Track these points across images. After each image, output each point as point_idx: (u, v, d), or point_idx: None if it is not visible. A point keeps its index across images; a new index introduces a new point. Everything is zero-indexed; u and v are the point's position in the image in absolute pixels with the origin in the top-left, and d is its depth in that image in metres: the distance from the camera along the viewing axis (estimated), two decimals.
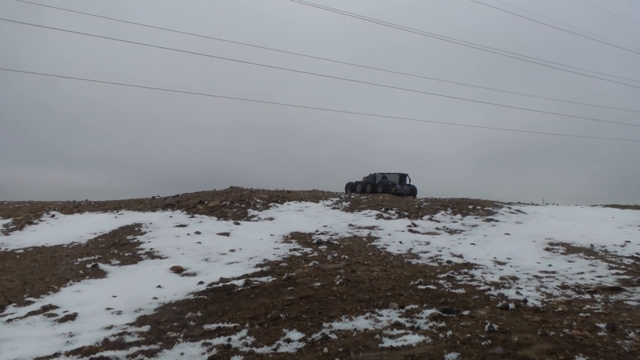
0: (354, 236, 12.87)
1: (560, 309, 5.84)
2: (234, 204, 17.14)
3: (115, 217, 15.55)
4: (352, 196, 19.79)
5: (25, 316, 6.99)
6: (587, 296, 6.71)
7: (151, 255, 11.14)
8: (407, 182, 27.49)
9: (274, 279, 8.32)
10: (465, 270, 8.83)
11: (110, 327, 6.35)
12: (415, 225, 14.05)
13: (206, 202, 17.25)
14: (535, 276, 8.35)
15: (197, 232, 13.18)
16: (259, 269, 9.37)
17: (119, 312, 7.09)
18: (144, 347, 5.37)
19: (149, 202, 18.28)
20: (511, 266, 9.49)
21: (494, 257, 10.33)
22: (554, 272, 8.79)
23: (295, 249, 11.27)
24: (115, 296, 7.99)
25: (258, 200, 17.71)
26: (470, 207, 16.52)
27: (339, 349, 4.69)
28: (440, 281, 7.73)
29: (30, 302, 7.80)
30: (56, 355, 5.37)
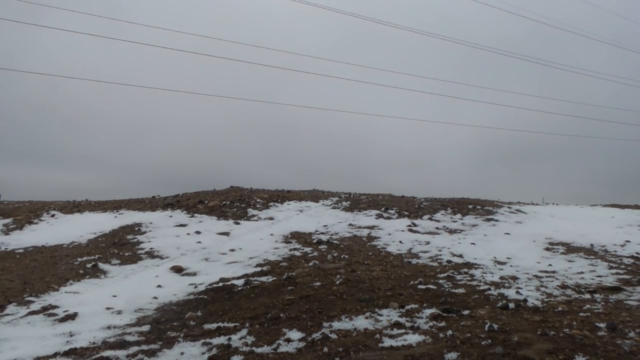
0: (354, 236, 12.87)
1: (560, 308, 5.84)
2: (234, 203, 17.14)
3: (115, 216, 15.55)
4: (351, 195, 19.79)
5: (25, 316, 6.99)
6: (587, 296, 6.71)
7: (151, 255, 11.15)
8: None
9: (274, 278, 8.32)
10: (465, 270, 8.83)
11: (110, 327, 6.36)
12: (415, 225, 14.05)
13: (206, 201, 17.25)
14: (535, 276, 8.35)
15: (197, 232, 13.19)
16: (259, 269, 9.37)
17: (119, 312, 7.09)
18: (144, 347, 5.37)
19: (149, 202, 18.28)
20: (511, 266, 9.49)
21: (494, 257, 10.33)
22: (554, 272, 8.79)
23: (295, 249, 11.28)
24: (115, 296, 7.99)
25: (258, 200, 17.71)
26: (470, 206, 16.53)
27: (339, 348, 4.69)
28: (440, 281, 7.73)
29: (30, 302, 7.80)
30: (56, 355, 5.37)
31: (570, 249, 11.28)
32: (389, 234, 12.98)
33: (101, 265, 10.15)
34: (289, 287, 7.52)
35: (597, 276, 8.34)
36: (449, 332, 4.92)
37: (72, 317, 6.83)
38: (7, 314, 7.17)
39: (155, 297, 7.84)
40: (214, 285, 8.27)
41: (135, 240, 12.41)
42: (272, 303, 6.73)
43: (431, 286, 7.30)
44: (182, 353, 5.06)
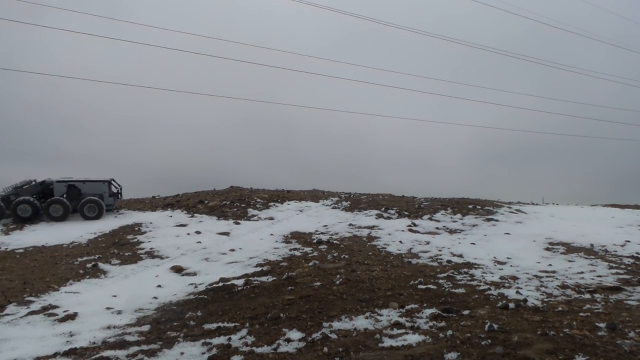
0: (354, 236, 12.87)
1: (560, 308, 5.84)
2: (234, 203, 17.15)
3: (115, 216, 15.56)
4: (351, 195, 19.79)
5: (25, 316, 6.99)
6: (587, 296, 6.71)
7: (151, 254, 11.15)
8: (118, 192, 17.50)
9: (274, 278, 8.32)
10: (465, 269, 8.83)
11: (110, 327, 6.36)
12: (415, 225, 14.05)
13: (206, 201, 17.25)
14: (535, 276, 8.35)
15: (197, 232, 13.19)
16: (259, 269, 9.37)
17: (119, 312, 7.09)
18: (144, 347, 5.37)
19: (149, 202, 18.30)
20: (511, 266, 9.49)
21: (494, 257, 10.33)
22: (554, 272, 8.79)
23: (295, 249, 11.28)
24: (115, 296, 7.99)
25: (258, 200, 17.71)
26: (470, 206, 16.52)
27: (339, 348, 4.69)
28: (440, 281, 7.73)
29: (30, 302, 7.80)
30: (56, 355, 5.37)
31: (570, 249, 11.28)
32: (389, 234, 12.98)
33: (101, 265, 10.15)
34: (289, 287, 7.52)
35: (597, 276, 8.34)
36: (449, 332, 4.92)
37: (72, 317, 6.83)
38: (7, 314, 7.17)
39: (155, 297, 7.84)
40: (214, 285, 8.27)
41: (135, 240, 12.41)
42: (272, 303, 6.72)
43: (431, 286, 7.30)
44: (182, 353, 5.06)
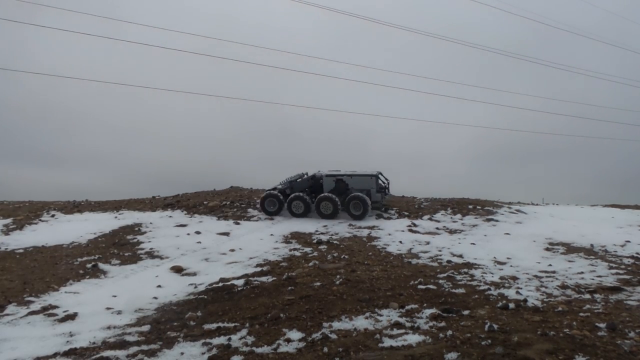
0: (354, 236, 12.87)
1: (560, 308, 5.84)
2: (234, 203, 17.14)
3: (115, 217, 15.55)
4: None
5: (25, 316, 6.99)
6: (587, 296, 6.71)
7: (151, 255, 11.15)
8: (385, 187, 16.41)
9: (274, 278, 8.32)
10: (465, 270, 8.83)
11: (110, 327, 6.36)
12: (415, 225, 14.05)
13: (206, 202, 17.24)
14: (535, 276, 8.35)
15: (197, 232, 13.19)
16: (259, 269, 9.37)
17: (119, 312, 7.09)
18: (144, 347, 5.37)
19: (149, 202, 18.28)
20: (511, 266, 9.49)
21: (494, 257, 10.32)
22: (554, 272, 8.79)
23: (295, 249, 11.28)
24: (115, 296, 8.00)
25: (258, 200, 17.69)
26: (470, 207, 16.52)
27: (339, 348, 4.69)
28: (440, 281, 7.73)
29: (30, 302, 7.80)
30: (56, 355, 5.37)
31: (570, 249, 11.28)
32: (389, 234, 12.98)
33: (101, 266, 10.15)
34: (289, 287, 7.52)
35: (597, 276, 8.34)
36: (449, 332, 4.92)
37: (72, 317, 6.83)
38: (7, 314, 7.17)
39: (155, 297, 7.84)
40: (214, 286, 8.27)
41: (135, 240, 12.41)
42: (272, 303, 6.73)
43: (431, 286, 7.30)
44: (182, 353, 5.07)
